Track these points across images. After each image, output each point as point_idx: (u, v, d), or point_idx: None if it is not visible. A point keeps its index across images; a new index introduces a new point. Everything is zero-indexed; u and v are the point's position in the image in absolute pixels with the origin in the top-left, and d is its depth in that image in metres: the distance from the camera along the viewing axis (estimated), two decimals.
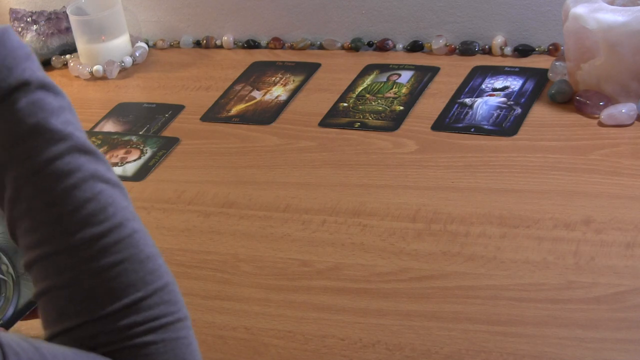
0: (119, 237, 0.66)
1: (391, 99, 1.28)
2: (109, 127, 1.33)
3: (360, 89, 1.32)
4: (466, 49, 1.37)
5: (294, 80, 1.38)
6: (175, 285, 0.68)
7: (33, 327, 0.87)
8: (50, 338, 0.65)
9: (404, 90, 1.30)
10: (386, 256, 0.98)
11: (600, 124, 1.15)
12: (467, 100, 1.25)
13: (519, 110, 1.21)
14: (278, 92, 1.35)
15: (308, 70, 1.40)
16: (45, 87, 0.65)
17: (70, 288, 0.64)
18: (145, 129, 1.31)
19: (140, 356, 0.65)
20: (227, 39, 1.51)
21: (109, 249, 0.65)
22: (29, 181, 0.64)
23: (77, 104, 1.41)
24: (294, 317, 0.92)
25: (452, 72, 1.33)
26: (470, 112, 1.22)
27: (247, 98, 1.35)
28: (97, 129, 1.33)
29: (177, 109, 1.35)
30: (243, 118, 1.30)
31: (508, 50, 1.35)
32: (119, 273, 0.65)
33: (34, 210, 0.65)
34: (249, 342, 0.91)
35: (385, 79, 1.33)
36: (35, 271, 0.66)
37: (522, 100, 1.23)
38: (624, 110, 1.14)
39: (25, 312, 0.83)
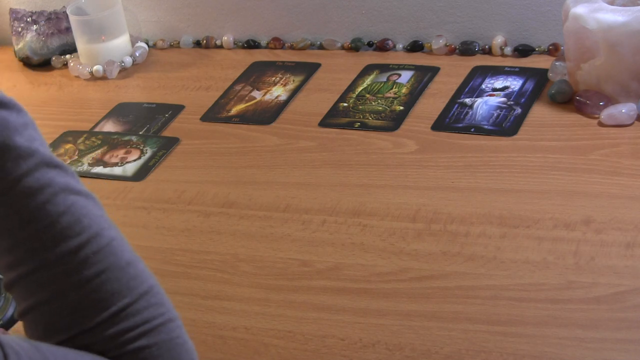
0: (97, 247, 0.66)
1: (391, 99, 1.28)
2: (109, 127, 1.33)
3: (360, 89, 1.32)
4: (466, 49, 1.37)
5: (294, 80, 1.38)
6: (159, 288, 0.68)
7: None
8: None
9: (404, 90, 1.30)
10: (386, 256, 0.98)
11: (600, 124, 1.15)
12: (467, 100, 1.25)
13: (519, 110, 1.21)
14: (278, 92, 1.35)
15: (308, 70, 1.40)
16: (5, 105, 0.65)
17: (55, 303, 0.64)
18: (145, 129, 1.31)
19: None
20: (227, 39, 1.51)
21: (89, 259, 0.65)
22: (0, 201, 0.64)
23: (77, 104, 1.42)
24: (294, 317, 0.92)
25: (452, 72, 1.33)
26: (470, 112, 1.22)
27: (247, 98, 1.35)
28: (97, 129, 1.33)
29: (177, 109, 1.35)
30: (243, 118, 1.30)
31: (508, 50, 1.35)
32: (102, 282, 0.65)
33: (9, 230, 0.64)
34: (249, 342, 0.91)
35: (385, 79, 1.33)
36: (17, 290, 0.66)
37: (522, 100, 1.23)
38: (624, 110, 1.14)
39: None
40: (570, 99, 1.20)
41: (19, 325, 0.83)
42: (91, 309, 0.64)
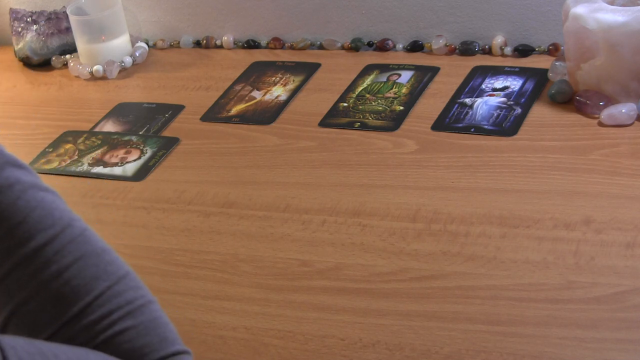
0: (71, 236, 0.66)
1: (391, 99, 1.28)
2: (109, 127, 1.33)
3: (360, 89, 1.32)
4: (466, 49, 1.37)
5: (294, 80, 1.38)
6: (135, 274, 0.69)
7: None
8: None
9: (404, 90, 1.30)
10: (386, 256, 0.98)
11: (600, 124, 1.15)
12: (467, 100, 1.25)
13: (519, 110, 1.21)
14: (278, 92, 1.35)
15: (308, 70, 1.40)
16: None
17: (37, 298, 0.65)
18: (145, 129, 1.31)
19: (124, 343, 0.65)
20: (227, 39, 1.51)
21: (64, 249, 0.66)
22: None
23: (77, 104, 1.42)
24: (294, 317, 0.92)
25: (452, 72, 1.33)
26: (470, 112, 1.22)
27: (247, 98, 1.35)
28: (97, 129, 1.33)
29: (177, 109, 1.35)
30: (243, 118, 1.30)
31: (508, 50, 1.35)
32: (80, 269, 0.66)
33: None
34: (249, 342, 0.91)
35: (385, 79, 1.33)
36: None
37: (522, 100, 1.23)
38: (624, 110, 1.14)
39: None
40: (570, 99, 1.20)
41: None
42: (73, 295, 0.65)
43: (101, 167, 1.22)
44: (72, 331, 0.65)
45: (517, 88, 1.26)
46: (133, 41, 1.52)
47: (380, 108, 1.26)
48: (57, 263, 0.65)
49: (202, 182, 1.16)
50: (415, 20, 1.41)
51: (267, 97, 1.34)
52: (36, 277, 0.65)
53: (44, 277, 0.65)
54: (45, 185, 0.68)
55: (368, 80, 1.34)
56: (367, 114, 1.25)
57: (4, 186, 0.65)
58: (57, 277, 0.65)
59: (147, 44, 1.54)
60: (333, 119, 1.26)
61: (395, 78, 1.33)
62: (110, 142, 1.28)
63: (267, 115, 1.30)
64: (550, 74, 1.26)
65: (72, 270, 0.65)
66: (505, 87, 1.26)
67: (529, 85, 1.26)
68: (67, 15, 1.48)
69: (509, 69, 1.31)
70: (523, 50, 1.34)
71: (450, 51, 1.38)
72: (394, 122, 1.23)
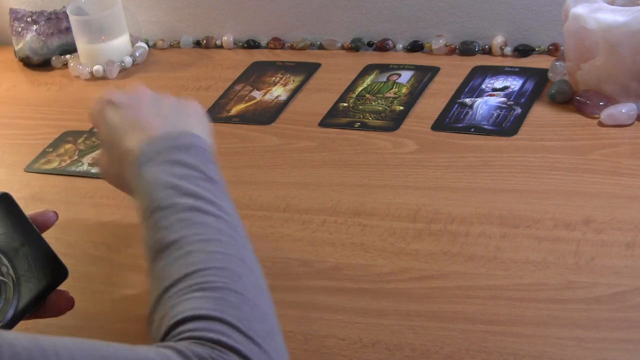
0: None
1: (391, 99, 1.28)
2: None
3: (360, 89, 1.32)
4: (466, 49, 1.37)
5: (294, 80, 1.38)
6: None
7: (33, 327, 0.87)
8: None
9: (404, 90, 1.30)
10: (386, 256, 0.98)
11: (600, 124, 1.15)
12: (467, 100, 1.25)
13: (519, 110, 1.21)
14: (278, 92, 1.35)
15: (308, 70, 1.40)
16: None
17: None
18: None
19: None
20: (227, 39, 1.51)
21: None
22: None
23: (77, 104, 1.42)
24: (294, 317, 0.92)
25: (452, 72, 1.33)
26: (470, 112, 1.22)
27: (247, 98, 1.35)
28: None
29: None
30: (243, 118, 1.30)
31: (508, 50, 1.35)
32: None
33: None
34: None
35: (385, 79, 1.33)
36: None
37: (522, 100, 1.23)
38: (624, 110, 1.14)
39: (25, 314, 0.83)
40: (570, 99, 1.20)
41: (19, 327, 0.83)
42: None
43: None
44: None
45: (517, 88, 1.26)
46: (133, 41, 1.52)
47: (380, 108, 1.26)
48: None
49: None
50: (415, 20, 1.41)
51: (267, 97, 1.34)
52: None
53: None
54: None
55: (368, 80, 1.34)
56: (367, 114, 1.25)
57: None
58: None
59: (147, 44, 1.54)
60: (333, 119, 1.26)
61: (395, 78, 1.33)
62: None
63: (267, 115, 1.30)
64: (550, 74, 1.26)
65: None
66: (505, 87, 1.26)
67: (529, 85, 1.26)
68: (67, 15, 1.48)
69: (509, 69, 1.31)
70: (523, 50, 1.34)
71: (450, 51, 1.38)
72: (394, 122, 1.23)
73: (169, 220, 0.78)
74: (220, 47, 1.52)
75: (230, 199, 0.83)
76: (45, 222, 0.87)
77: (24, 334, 0.62)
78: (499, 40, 1.36)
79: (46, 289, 0.84)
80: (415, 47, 1.41)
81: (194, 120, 0.90)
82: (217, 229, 0.77)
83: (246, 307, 0.71)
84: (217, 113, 1.32)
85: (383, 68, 1.37)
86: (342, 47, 1.45)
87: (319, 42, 1.47)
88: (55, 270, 0.85)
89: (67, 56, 1.53)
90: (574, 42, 1.17)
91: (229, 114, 1.32)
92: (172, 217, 0.78)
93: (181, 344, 0.67)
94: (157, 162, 0.82)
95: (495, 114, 1.20)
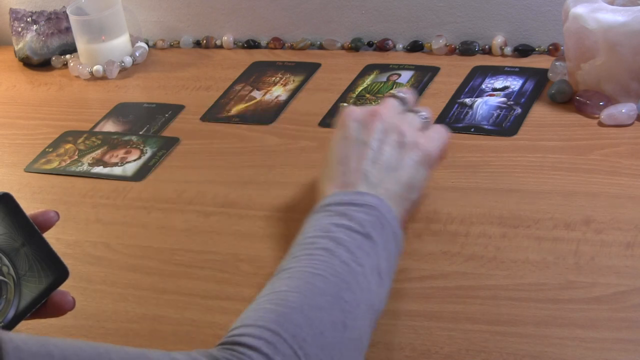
0: None
1: None
2: (109, 127, 1.34)
3: (360, 89, 1.32)
4: (466, 49, 1.37)
5: (294, 80, 1.38)
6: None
7: (34, 327, 0.87)
8: None
9: None
10: None
11: (600, 124, 1.15)
12: (467, 100, 1.25)
13: (519, 110, 1.21)
14: (278, 92, 1.35)
15: (308, 70, 1.40)
16: None
17: None
18: (145, 129, 1.31)
19: None
20: (227, 39, 1.51)
21: None
22: None
23: (77, 104, 1.42)
24: None
25: (452, 72, 1.33)
26: (470, 112, 1.22)
27: (247, 98, 1.35)
28: (97, 129, 1.33)
29: (177, 109, 1.35)
30: (243, 118, 1.30)
31: (508, 50, 1.35)
32: None
33: None
34: None
35: (385, 79, 1.33)
36: None
37: (522, 100, 1.23)
38: (624, 110, 1.14)
39: (26, 314, 0.83)
40: (570, 99, 1.20)
41: (19, 327, 0.83)
42: None
43: (101, 167, 1.22)
44: None
45: (517, 88, 1.26)
46: (133, 41, 1.52)
47: None
48: None
49: (202, 182, 1.16)
50: (415, 20, 1.41)
51: (267, 97, 1.34)
52: None
53: None
54: None
55: (368, 80, 1.34)
56: None
57: None
58: None
59: (147, 44, 1.54)
60: (333, 119, 1.26)
61: (395, 78, 1.33)
62: (110, 142, 1.28)
63: (267, 115, 1.30)
64: (550, 74, 1.26)
65: None
66: (505, 87, 1.26)
67: (529, 85, 1.26)
68: (67, 15, 1.48)
69: (509, 69, 1.31)
70: (523, 50, 1.34)
71: (450, 51, 1.38)
72: None
73: (299, 252, 0.83)
74: (220, 47, 1.52)
75: (381, 260, 0.84)
76: (46, 222, 0.87)
77: (36, 338, 0.62)
78: (499, 40, 1.36)
79: (47, 289, 0.84)
80: (415, 47, 1.41)
81: (402, 173, 0.94)
82: (333, 270, 0.79)
83: (309, 329, 0.73)
84: (217, 113, 1.33)
85: (383, 68, 1.37)
86: (342, 47, 1.45)
87: (319, 42, 1.47)
88: (56, 270, 0.85)
89: (67, 56, 1.53)
90: (574, 42, 1.17)
91: (229, 114, 1.32)
92: (302, 250, 0.83)
93: (214, 350, 0.70)
94: (329, 212, 0.88)
95: (495, 114, 1.21)
